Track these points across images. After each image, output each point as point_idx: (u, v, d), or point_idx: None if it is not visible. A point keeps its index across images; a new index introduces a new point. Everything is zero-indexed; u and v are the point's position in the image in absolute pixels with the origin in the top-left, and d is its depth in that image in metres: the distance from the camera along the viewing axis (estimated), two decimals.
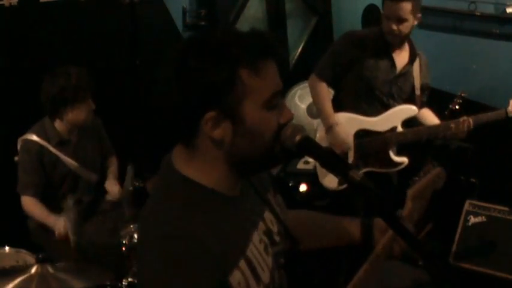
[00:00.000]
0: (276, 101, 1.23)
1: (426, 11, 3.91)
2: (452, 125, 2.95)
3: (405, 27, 2.89)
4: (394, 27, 2.88)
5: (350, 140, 3.03)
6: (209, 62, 1.17)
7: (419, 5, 2.92)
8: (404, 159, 3.09)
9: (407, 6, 2.83)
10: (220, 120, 1.19)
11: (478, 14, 3.63)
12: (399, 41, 2.97)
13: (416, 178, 1.56)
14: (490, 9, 3.61)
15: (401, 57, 3.04)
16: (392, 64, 3.02)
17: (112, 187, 3.11)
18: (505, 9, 3.52)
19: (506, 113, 2.96)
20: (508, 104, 2.96)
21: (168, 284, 1.13)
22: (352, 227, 1.55)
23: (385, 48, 3.00)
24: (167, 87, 1.23)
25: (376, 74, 3.00)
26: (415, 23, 2.93)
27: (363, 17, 4.38)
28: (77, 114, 2.90)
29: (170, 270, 1.14)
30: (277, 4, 4.67)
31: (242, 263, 1.24)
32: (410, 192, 1.51)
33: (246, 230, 1.31)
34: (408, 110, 3.07)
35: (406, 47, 3.05)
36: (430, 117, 3.14)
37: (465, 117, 2.95)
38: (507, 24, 3.55)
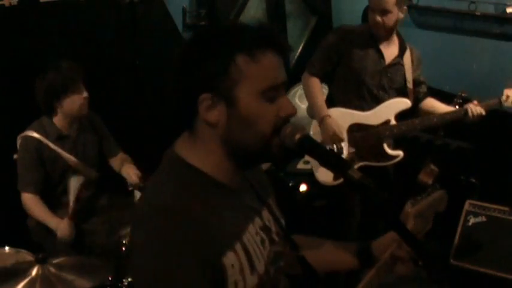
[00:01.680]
0: (276, 93, 1.24)
1: (426, 11, 3.92)
2: (470, 107, 2.95)
3: (389, 19, 2.92)
4: (378, 19, 2.92)
5: (343, 131, 3.04)
6: (207, 48, 1.22)
7: None
8: (399, 153, 3.09)
9: None
10: (215, 102, 1.22)
11: (478, 14, 3.64)
12: (384, 33, 2.99)
13: (419, 197, 1.56)
14: (490, 9, 3.61)
15: (390, 50, 3.06)
16: (381, 56, 3.04)
17: (130, 171, 3.09)
18: (505, 9, 3.53)
19: (500, 102, 2.98)
20: (501, 93, 2.98)
21: (159, 254, 1.15)
22: (348, 253, 1.56)
23: (373, 41, 3.03)
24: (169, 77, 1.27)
25: (365, 64, 3.02)
26: (401, 15, 2.96)
27: (362, 17, 4.38)
28: (72, 104, 2.90)
29: (159, 244, 1.16)
30: (277, 4, 4.67)
31: (238, 247, 1.25)
32: (412, 210, 1.50)
33: (242, 220, 1.32)
34: (401, 103, 3.08)
35: (395, 40, 3.08)
36: (436, 104, 3.15)
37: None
38: (507, 24, 3.55)
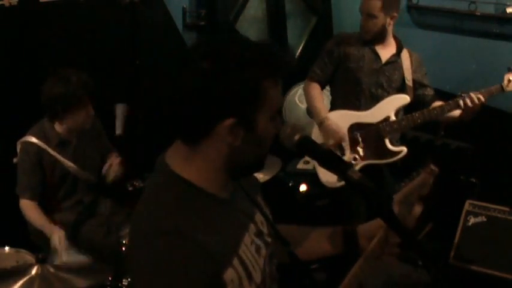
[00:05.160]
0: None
1: (426, 11, 3.92)
2: (462, 100, 2.91)
3: (374, 24, 2.97)
4: (364, 22, 2.98)
5: (343, 131, 3.04)
6: (235, 72, 1.18)
7: (393, 4, 2.95)
8: (402, 148, 3.09)
9: (376, 3, 2.91)
10: (235, 127, 1.20)
11: (478, 14, 3.64)
12: (370, 38, 3.03)
13: (402, 184, 1.58)
14: (490, 9, 3.61)
15: (386, 51, 3.10)
16: (377, 55, 3.08)
17: (114, 160, 3.09)
18: (505, 9, 3.53)
19: (502, 87, 2.97)
20: (502, 79, 2.97)
21: (161, 281, 1.13)
22: (332, 239, 1.55)
23: (369, 44, 3.07)
24: (172, 88, 1.23)
25: (362, 64, 3.06)
26: (389, 22, 2.98)
27: None
28: (76, 120, 2.89)
29: (162, 268, 1.14)
30: (277, 4, 4.66)
31: (236, 262, 1.25)
32: (396, 196, 1.53)
33: (238, 231, 1.32)
34: (400, 98, 3.09)
35: (392, 42, 3.11)
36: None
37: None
38: (507, 24, 3.55)
